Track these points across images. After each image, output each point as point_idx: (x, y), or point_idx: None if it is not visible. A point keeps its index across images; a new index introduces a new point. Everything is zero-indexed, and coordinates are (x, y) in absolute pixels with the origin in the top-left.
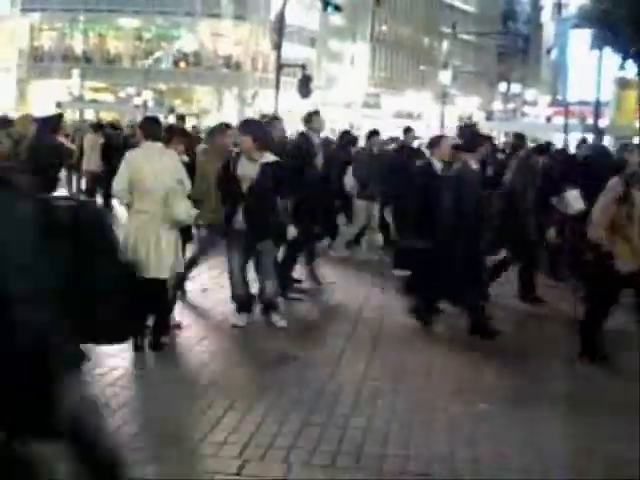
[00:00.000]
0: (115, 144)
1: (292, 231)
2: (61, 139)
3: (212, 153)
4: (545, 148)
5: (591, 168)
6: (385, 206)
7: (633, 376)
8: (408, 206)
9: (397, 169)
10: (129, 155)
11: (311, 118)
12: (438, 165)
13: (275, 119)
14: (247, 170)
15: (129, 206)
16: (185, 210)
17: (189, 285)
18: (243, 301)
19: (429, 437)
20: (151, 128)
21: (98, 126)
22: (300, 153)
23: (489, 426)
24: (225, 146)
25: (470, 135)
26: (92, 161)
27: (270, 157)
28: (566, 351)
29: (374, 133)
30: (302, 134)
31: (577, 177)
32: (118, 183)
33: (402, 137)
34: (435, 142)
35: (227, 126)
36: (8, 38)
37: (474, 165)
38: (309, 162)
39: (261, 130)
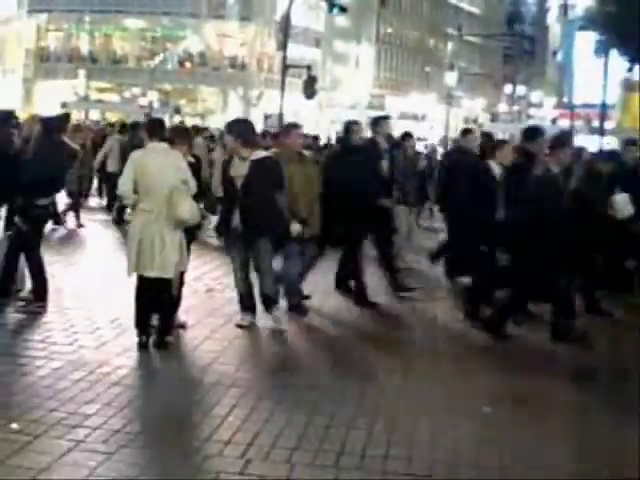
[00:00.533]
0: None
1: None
2: (65, 139)
3: (283, 156)
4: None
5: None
6: (442, 212)
7: None
8: (476, 211)
9: (458, 173)
10: (134, 155)
11: (379, 123)
12: (496, 169)
13: (355, 124)
14: (239, 169)
15: (134, 206)
16: (189, 210)
17: (195, 285)
18: (245, 300)
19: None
20: (156, 129)
21: (124, 127)
22: (367, 157)
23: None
24: (294, 146)
25: (555, 139)
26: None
27: (260, 154)
28: None
29: (407, 135)
30: (371, 139)
31: (626, 181)
32: (123, 183)
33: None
34: (498, 146)
35: (295, 126)
36: (14, 38)
37: (555, 169)
38: (376, 166)
39: (245, 129)
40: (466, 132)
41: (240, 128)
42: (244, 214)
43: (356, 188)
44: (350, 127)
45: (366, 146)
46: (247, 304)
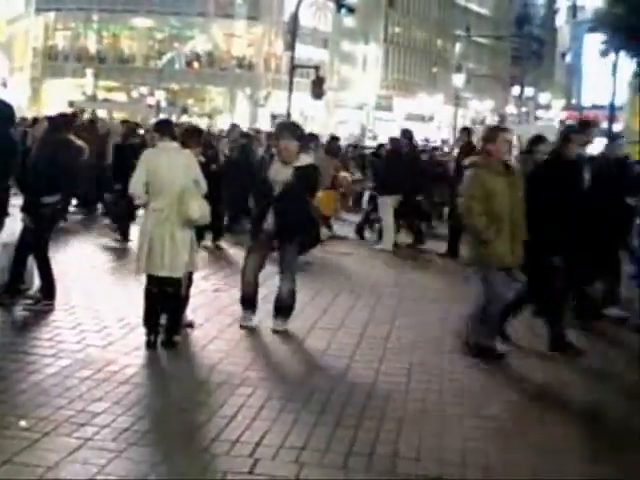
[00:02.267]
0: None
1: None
2: (72, 136)
3: (486, 166)
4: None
5: None
6: None
7: None
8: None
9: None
10: (145, 155)
11: (537, 144)
12: None
13: (465, 129)
14: (280, 174)
15: (145, 205)
16: (199, 209)
17: (203, 284)
18: (249, 300)
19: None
20: (166, 128)
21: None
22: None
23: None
24: (499, 155)
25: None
26: None
27: (305, 160)
28: None
29: (539, 139)
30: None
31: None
32: (135, 182)
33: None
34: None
35: (501, 129)
36: (22, 37)
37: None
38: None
39: (303, 134)
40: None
41: (300, 134)
42: (280, 218)
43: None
44: (569, 137)
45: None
46: (249, 304)
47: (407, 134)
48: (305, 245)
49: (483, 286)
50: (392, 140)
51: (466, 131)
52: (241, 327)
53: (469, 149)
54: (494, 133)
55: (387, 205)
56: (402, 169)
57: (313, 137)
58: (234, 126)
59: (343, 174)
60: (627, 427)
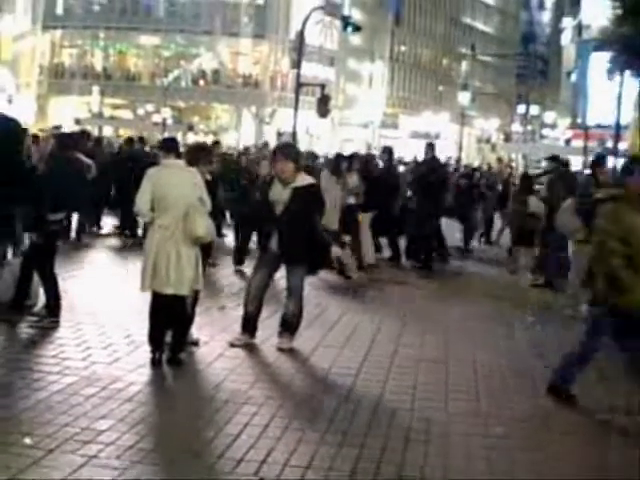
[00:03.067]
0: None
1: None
2: (79, 154)
3: (624, 202)
4: None
5: None
6: None
7: None
8: None
9: None
10: (151, 172)
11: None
12: None
13: (430, 145)
14: (279, 194)
15: (151, 222)
16: (204, 226)
17: (208, 302)
18: (250, 320)
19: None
20: (171, 146)
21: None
22: None
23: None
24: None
25: None
26: None
27: (304, 180)
28: None
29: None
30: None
31: None
32: (140, 200)
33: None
34: None
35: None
36: (29, 54)
37: None
38: None
39: (298, 154)
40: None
41: (296, 154)
42: (283, 240)
43: None
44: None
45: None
46: (249, 326)
47: (386, 151)
48: (313, 266)
49: (589, 334)
50: (365, 157)
51: (431, 146)
52: (231, 345)
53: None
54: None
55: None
56: (375, 186)
57: (312, 156)
58: (266, 145)
59: None
60: None
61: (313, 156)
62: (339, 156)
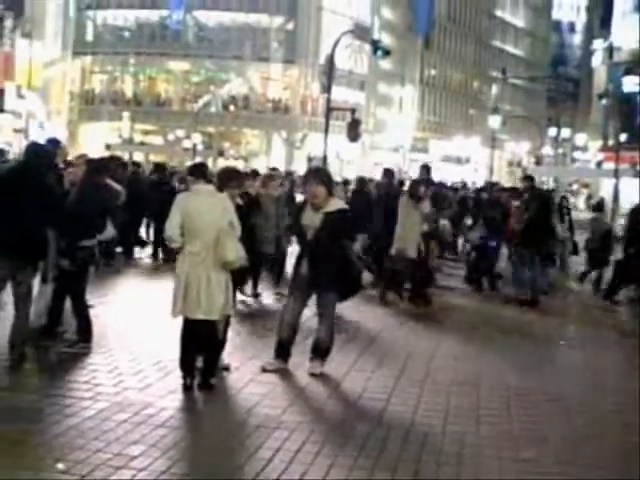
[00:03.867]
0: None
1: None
2: (108, 180)
3: None
4: None
5: None
6: None
7: None
8: None
9: None
10: (180, 198)
11: None
12: None
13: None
14: (311, 219)
15: (181, 248)
16: (235, 250)
17: (238, 327)
18: (284, 346)
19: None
20: (200, 172)
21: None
22: None
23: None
24: None
25: None
26: None
27: (336, 205)
28: None
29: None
30: None
31: None
32: (170, 226)
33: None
34: None
35: None
36: (59, 80)
37: None
38: None
39: (330, 179)
40: None
41: (328, 179)
42: (312, 265)
43: None
44: None
45: None
46: (283, 351)
47: (388, 174)
48: (344, 292)
49: None
50: (358, 180)
51: (425, 168)
52: (263, 370)
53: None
54: None
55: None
56: (367, 209)
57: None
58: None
59: None
60: None
61: (345, 182)
62: (416, 181)
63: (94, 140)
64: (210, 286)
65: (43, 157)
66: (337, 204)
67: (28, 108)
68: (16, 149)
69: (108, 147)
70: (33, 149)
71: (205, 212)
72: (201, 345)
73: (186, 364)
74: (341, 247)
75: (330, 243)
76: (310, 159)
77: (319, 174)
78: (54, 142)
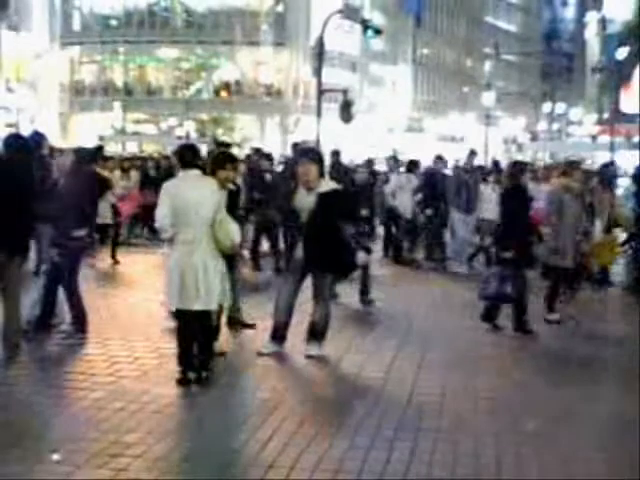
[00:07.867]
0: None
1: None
2: (97, 168)
3: None
4: None
5: None
6: None
7: None
8: None
9: None
10: (167, 186)
11: None
12: None
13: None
14: (305, 201)
15: (172, 238)
16: (237, 232)
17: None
18: (279, 330)
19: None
20: (187, 156)
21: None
22: None
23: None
24: None
25: None
26: None
27: (328, 185)
28: None
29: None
30: None
31: None
32: (161, 216)
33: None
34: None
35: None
36: (49, 72)
37: None
38: None
39: (321, 158)
40: None
41: (319, 157)
42: (307, 246)
43: None
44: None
45: None
46: (279, 334)
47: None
48: (339, 272)
49: None
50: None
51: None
52: (259, 354)
53: None
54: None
55: None
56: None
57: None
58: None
59: None
60: None
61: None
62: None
63: (87, 132)
64: (207, 274)
65: (20, 148)
66: (329, 185)
67: (18, 102)
68: None
69: (101, 138)
70: (8, 141)
71: (196, 198)
72: (197, 335)
73: (186, 358)
74: (336, 228)
75: (324, 224)
76: (295, 145)
77: (310, 154)
78: (38, 135)
